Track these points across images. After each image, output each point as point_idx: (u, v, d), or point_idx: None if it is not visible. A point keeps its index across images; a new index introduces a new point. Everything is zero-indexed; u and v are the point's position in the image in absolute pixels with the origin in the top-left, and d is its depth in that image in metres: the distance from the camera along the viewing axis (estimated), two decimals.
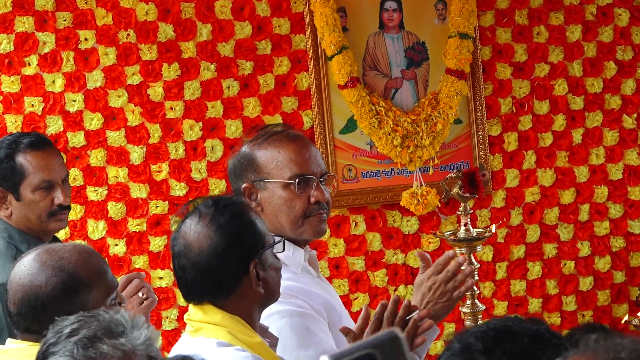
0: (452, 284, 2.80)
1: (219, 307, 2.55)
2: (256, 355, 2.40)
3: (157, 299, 2.94)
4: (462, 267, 2.91)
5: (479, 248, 3.44)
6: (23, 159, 3.44)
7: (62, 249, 2.62)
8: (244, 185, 2.95)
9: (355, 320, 3.02)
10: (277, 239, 2.64)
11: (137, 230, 4.55)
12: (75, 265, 2.55)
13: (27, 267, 2.57)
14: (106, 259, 2.78)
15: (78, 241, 4.67)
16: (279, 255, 2.65)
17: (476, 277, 3.34)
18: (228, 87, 4.65)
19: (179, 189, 4.59)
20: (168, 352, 4.40)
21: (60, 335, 2.18)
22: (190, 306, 2.61)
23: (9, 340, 2.57)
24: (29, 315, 2.51)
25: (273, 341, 2.62)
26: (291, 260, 2.84)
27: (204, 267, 2.52)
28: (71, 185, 4.12)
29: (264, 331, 2.61)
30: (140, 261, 4.54)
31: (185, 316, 2.66)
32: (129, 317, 2.21)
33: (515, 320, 1.94)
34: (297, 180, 2.89)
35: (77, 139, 4.51)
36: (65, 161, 3.91)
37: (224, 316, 2.53)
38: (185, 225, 2.54)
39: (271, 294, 2.59)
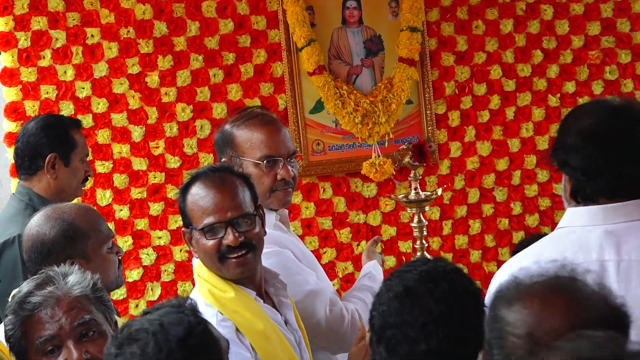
0: None
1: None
2: (225, 318, 2.52)
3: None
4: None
5: (427, 208, 3.65)
6: (74, 134, 3.71)
7: (65, 206, 2.84)
8: (223, 159, 3.08)
9: (324, 268, 3.28)
10: (199, 227, 2.62)
11: (139, 198, 4.67)
12: (74, 217, 2.76)
13: (35, 221, 2.78)
14: (101, 214, 2.93)
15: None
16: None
17: (425, 233, 3.53)
18: (214, 75, 4.75)
19: (173, 162, 4.70)
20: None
21: (13, 297, 2.35)
22: None
23: None
24: (37, 260, 2.70)
25: (282, 285, 2.77)
26: (265, 221, 2.85)
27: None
28: None
29: (274, 277, 2.77)
30: (141, 223, 4.67)
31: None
32: (62, 269, 2.34)
33: (434, 262, 2.13)
34: (265, 160, 3.02)
35: (86, 121, 4.56)
36: None
37: (209, 273, 2.67)
38: None
39: (203, 261, 2.69)
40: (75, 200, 4.00)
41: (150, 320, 1.95)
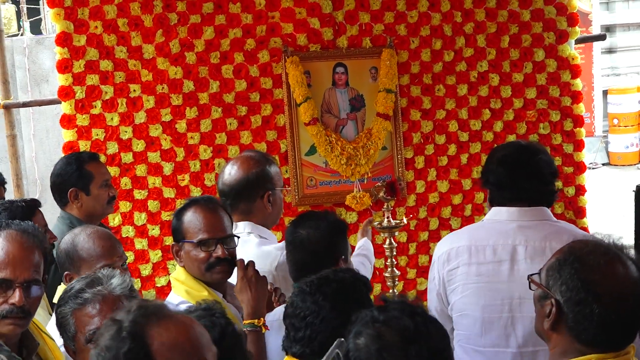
0: None
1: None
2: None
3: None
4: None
5: (396, 233, 3.92)
6: (89, 167, 4.07)
7: (85, 230, 2.92)
8: (268, 192, 3.56)
9: None
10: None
11: (168, 220, 4.88)
12: (77, 242, 2.90)
13: (66, 236, 2.96)
14: (113, 240, 3.04)
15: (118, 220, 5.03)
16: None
17: (395, 252, 3.80)
18: (230, 124, 5.10)
19: (196, 192, 5.02)
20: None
21: (65, 292, 2.44)
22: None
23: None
24: (57, 270, 2.96)
25: (230, 290, 3.01)
26: (271, 237, 3.47)
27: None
28: (122, 188, 4.85)
29: (231, 287, 3.01)
30: (169, 240, 4.78)
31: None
32: (108, 272, 2.41)
33: (332, 272, 2.50)
34: (285, 188, 3.73)
35: (127, 157, 4.98)
36: (119, 173, 4.63)
37: (187, 277, 2.98)
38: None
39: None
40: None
41: None
